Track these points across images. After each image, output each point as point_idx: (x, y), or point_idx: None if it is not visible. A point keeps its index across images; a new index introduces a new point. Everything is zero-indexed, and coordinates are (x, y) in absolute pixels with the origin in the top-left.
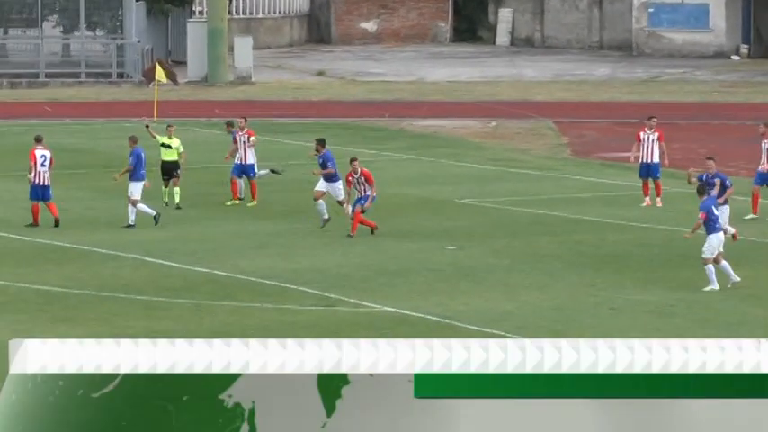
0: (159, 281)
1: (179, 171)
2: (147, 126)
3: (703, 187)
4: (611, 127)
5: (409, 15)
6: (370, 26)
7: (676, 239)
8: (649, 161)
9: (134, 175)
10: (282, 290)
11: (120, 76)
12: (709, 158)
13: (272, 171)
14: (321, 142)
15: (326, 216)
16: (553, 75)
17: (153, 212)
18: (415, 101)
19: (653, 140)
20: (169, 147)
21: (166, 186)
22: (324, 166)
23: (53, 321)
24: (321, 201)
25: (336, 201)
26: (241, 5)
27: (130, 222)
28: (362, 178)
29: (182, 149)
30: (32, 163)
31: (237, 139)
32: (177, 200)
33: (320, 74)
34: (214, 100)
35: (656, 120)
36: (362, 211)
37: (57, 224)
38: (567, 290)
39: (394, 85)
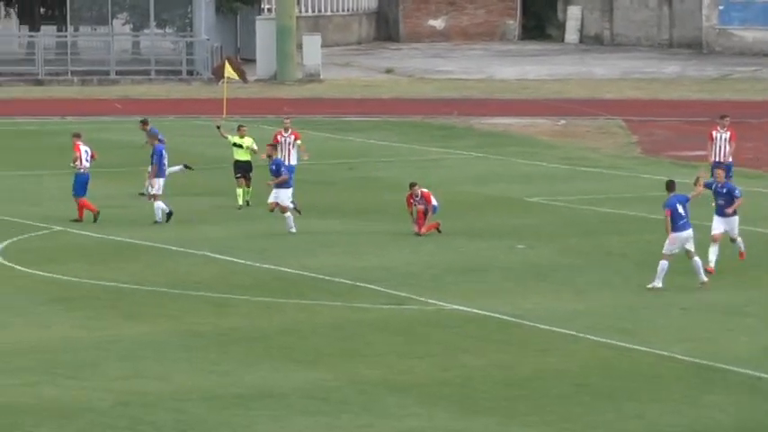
0: (228, 278)
1: (251, 173)
2: (219, 127)
3: (672, 183)
4: (681, 125)
5: (477, 13)
6: (438, 24)
7: (748, 239)
8: (722, 160)
9: (157, 171)
10: (351, 288)
11: (190, 73)
12: (719, 166)
13: (186, 167)
14: (274, 147)
15: (293, 229)
16: (622, 73)
17: (165, 213)
18: (484, 98)
19: (725, 139)
20: (240, 146)
21: (240, 186)
22: (278, 172)
23: (123, 318)
24: (288, 213)
25: (282, 206)
26: (309, 3)
27: (157, 219)
28: (423, 200)
29: (255, 147)
30: (78, 154)
31: (280, 139)
32: (247, 198)
33: (389, 71)
34: (283, 98)
35: (728, 119)
36: (425, 214)
37: (78, 221)
38: (636, 289)
39: (462, 83)
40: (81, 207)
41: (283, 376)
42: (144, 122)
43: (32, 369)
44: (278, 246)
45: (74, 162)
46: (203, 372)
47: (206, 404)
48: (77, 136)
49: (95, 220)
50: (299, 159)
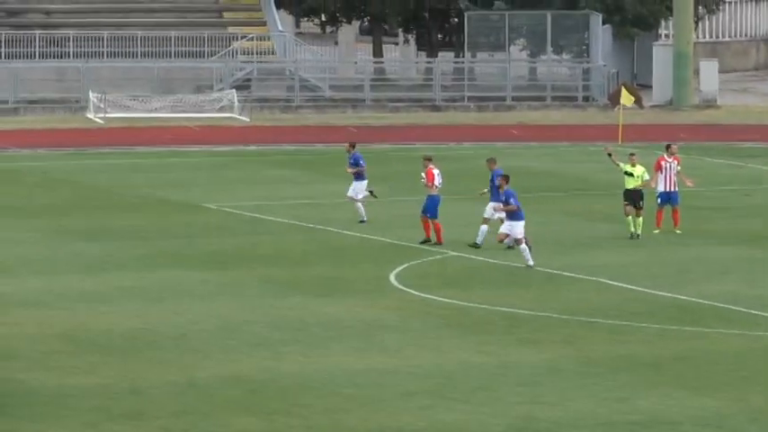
0: (623, 305)
1: (642, 202)
2: (610, 155)
3: None
4: None
5: None
6: None
7: None
8: None
9: (493, 196)
10: (748, 316)
11: (586, 99)
12: None
13: (370, 193)
14: (352, 144)
15: (530, 262)
16: None
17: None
18: None
19: None
20: (631, 175)
21: (629, 214)
22: (506, 201)
23: (518, 343)
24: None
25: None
26: (707, 29)
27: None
28: None
29: (646, 177)
30: (431, 181)
31: (663, 165)
32: (639, 231)
33: None
34: (678, 124)
35: None
36: None
37: (433, 242)
38: None
39: None
40: (427, 227)
41: (677, 403)
42: (351, 145)
43: (428, 393)
44: (673, 273)
45: (428, 186)
46: (598, 398)
47: (601, 430)
48: (430, 159)
49: (428, 242)
50: (680, 185)
